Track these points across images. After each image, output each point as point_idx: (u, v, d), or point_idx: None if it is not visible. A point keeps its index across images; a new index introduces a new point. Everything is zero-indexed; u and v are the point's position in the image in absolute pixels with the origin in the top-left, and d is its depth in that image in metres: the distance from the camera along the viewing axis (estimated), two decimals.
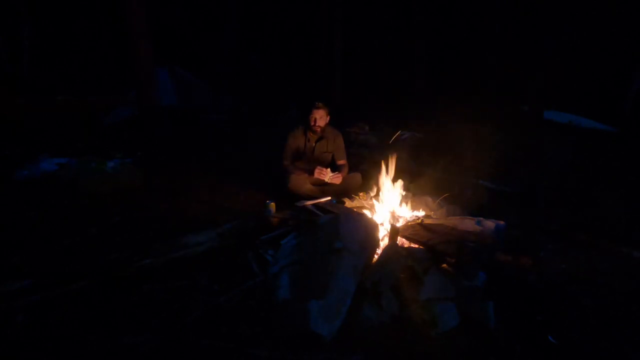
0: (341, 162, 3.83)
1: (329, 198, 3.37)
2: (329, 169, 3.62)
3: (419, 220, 2.65)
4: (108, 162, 3.94)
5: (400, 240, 2.48)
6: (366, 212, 2.88)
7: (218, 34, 11.88)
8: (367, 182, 3.80)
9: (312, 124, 3.62)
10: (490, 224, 2.54)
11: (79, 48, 13.15)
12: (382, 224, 2.67)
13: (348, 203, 3.27)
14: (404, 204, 2.97)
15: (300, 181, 3.53)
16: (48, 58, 12.91)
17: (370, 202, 3.09)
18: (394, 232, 2.44)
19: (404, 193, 3.00)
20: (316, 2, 10.14)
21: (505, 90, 9.07)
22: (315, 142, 3.73)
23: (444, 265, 2.21)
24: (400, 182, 2.98)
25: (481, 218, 2.62)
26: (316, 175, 3.57)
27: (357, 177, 3.72)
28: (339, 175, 3.62)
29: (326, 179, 3.57)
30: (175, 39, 12.86)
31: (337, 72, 10.00)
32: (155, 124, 6.64)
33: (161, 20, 11.92)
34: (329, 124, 3.75)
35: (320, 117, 3.62)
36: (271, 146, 4.59)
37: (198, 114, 7.79)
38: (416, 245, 2.38)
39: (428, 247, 2.28)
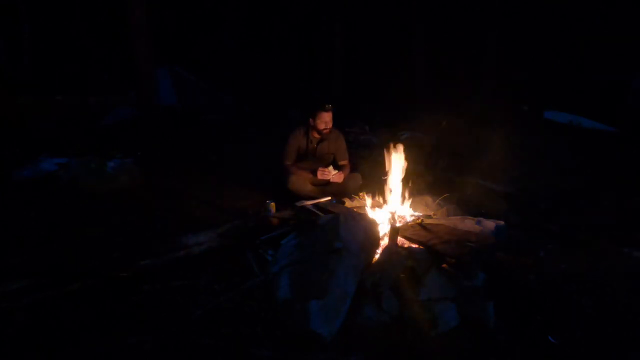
0: (343, 162, 3.82)
1: (329, 198, 3.36)
2: (330, 167, 3.63)
3: (419, 220, 2.65)
4: (108, 162, 3.94)
5: (400, 240, 2.48)
6: (369, 209, 2.87)
7: (218, 34, 11.89)
8: (367, 182, 3.81)
9: (322, 127, 3.51)
10: (490, 224, 2.53)
11: (79, 48, 13.16)
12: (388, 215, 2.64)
13: (348, 203, 3.27)
14: (406, 203, 2.96)
15: (300, 181, 3.53)
16: (48, 58, 12.91)
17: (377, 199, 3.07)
18: (394, 232, 2.44)
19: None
20: (316, 2, 10.15)
21: (505, 90, 9.08)
22: (317, 144, 3.71)
23: (444, 265, 2.21)
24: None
25: (481, 218, 2.62)
26: (320, 177, 3.57)
27: (357, 177, 3.72)
28: (341, 173, 3.64)
29: (330, 178, 3.57)
30: (175, 39, 12.86)
31: (337, 72, 10.02)
32: (155, 124, 6.65)
33: (161, 20, 11.92)
34: None
35: (330, 120, 3.55)
36: (271, 146, 4.60)
37: (198, 114, 7.79)
38: (416, 245, 2.38)
39: (428, 247, 2.27)
